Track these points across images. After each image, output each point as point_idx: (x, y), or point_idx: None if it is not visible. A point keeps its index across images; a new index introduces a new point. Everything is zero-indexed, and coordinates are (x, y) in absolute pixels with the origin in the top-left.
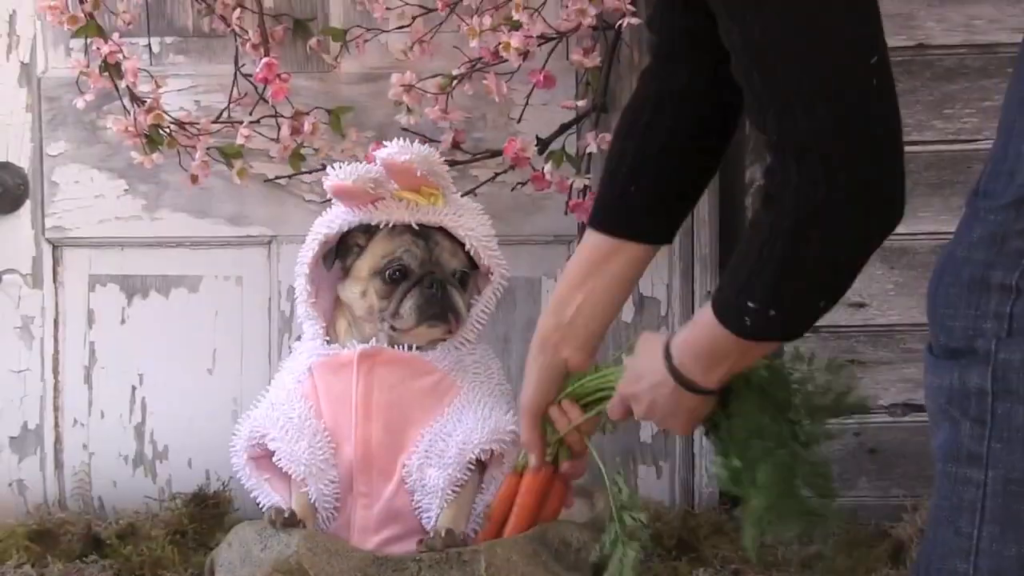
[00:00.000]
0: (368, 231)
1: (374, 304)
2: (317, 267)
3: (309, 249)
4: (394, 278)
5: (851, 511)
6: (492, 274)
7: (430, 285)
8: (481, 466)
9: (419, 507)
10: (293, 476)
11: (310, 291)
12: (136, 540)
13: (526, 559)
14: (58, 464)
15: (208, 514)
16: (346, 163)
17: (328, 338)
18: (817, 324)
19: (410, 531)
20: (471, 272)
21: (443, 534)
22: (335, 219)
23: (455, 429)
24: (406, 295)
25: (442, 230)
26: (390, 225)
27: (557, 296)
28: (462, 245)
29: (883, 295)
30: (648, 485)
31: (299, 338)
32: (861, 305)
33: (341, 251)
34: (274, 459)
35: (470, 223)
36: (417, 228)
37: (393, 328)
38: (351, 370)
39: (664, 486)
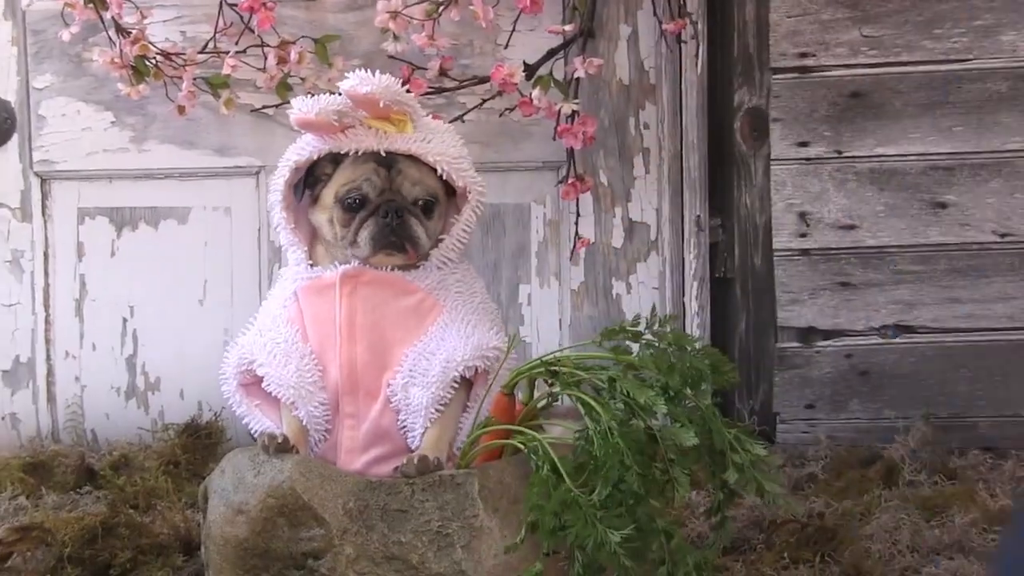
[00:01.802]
0: (336, 160)
1: (336, 231)
2: (293, 194)
3: (280, 176)
4: (353, 206)
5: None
6: (469, 194)
7: (385, 214)
8: (467, 384)
9: (404, 426)
10: (283, 400)
11: (287, 217)
12: (129, 471)
13: (518, 481)
14: (51, 397)
15: (201, 444)
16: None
17: (311, 262)
18: (807, 247)
19: (397, 451)
20: (437, 200)
21: (416, 461)
22: (305, 147)
23: (438, 348)
24: (363, 224)
25: (409, 159)
26: (358, 153)
27: None
28: (434, 170)
29: (873, 216)
30: None
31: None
32: (851, 227)
33: (309, 180)
34: (264, 385)
35: (439, 147)
36: (384, 156)
37: (353, 256)
38: (333, 292)
39: None
